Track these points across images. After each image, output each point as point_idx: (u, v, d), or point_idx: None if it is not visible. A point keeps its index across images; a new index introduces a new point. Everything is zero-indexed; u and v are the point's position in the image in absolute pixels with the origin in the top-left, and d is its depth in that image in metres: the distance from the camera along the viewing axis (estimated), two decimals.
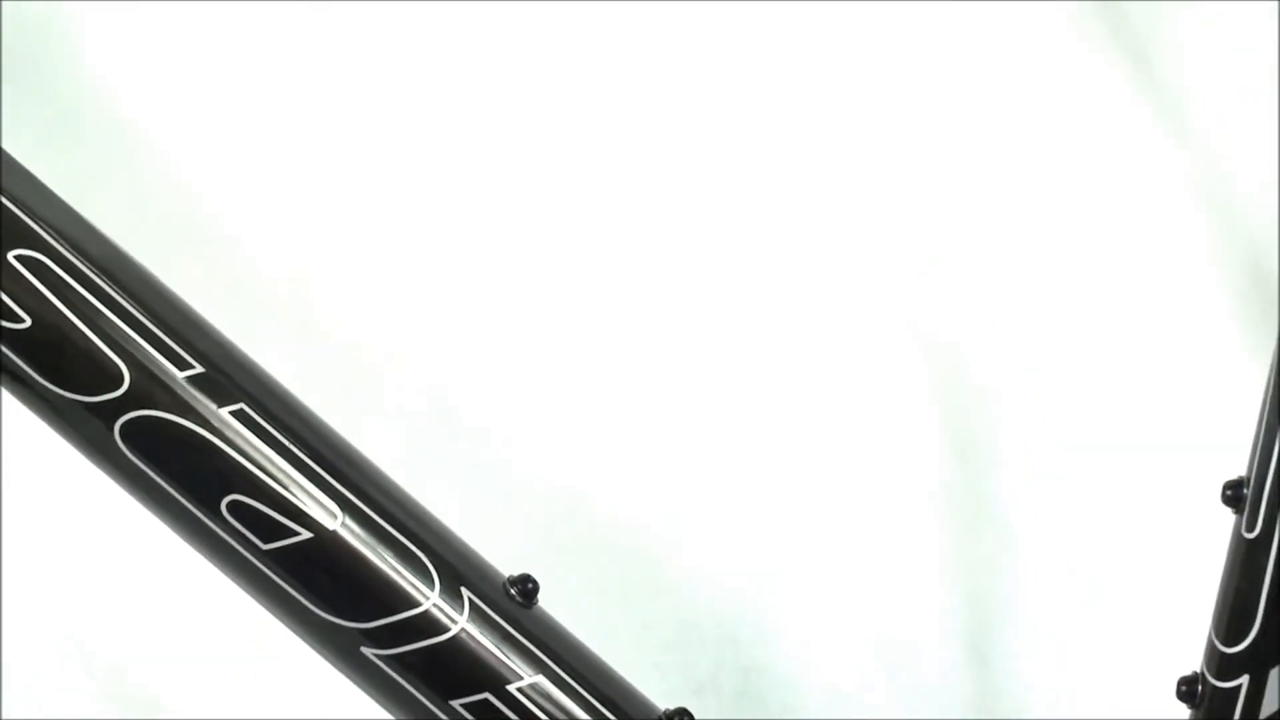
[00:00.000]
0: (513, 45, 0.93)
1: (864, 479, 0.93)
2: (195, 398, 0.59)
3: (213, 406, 0.59)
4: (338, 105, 0.91)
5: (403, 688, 0.61)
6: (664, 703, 0.64)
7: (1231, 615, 0.68)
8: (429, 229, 0.92)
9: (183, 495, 0.59)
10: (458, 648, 0.60)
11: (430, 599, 0.60)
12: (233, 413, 0.59)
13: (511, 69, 0.93)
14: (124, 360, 0.59)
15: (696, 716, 0.63)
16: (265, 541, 0.59)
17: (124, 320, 0.59)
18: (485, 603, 0.61)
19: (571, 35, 0.93)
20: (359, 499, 0.60)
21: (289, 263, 0.91)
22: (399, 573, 0.60)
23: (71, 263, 0.59)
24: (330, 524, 0.60)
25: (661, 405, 0.92)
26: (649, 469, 0.92)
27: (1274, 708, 0.68)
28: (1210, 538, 0.71)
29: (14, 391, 0.59)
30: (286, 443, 0.60)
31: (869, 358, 0.94)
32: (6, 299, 0.58)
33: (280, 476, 0.60)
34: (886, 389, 0.94)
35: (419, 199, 0.92)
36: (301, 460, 0.60)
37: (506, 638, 0.61)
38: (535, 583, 0.62)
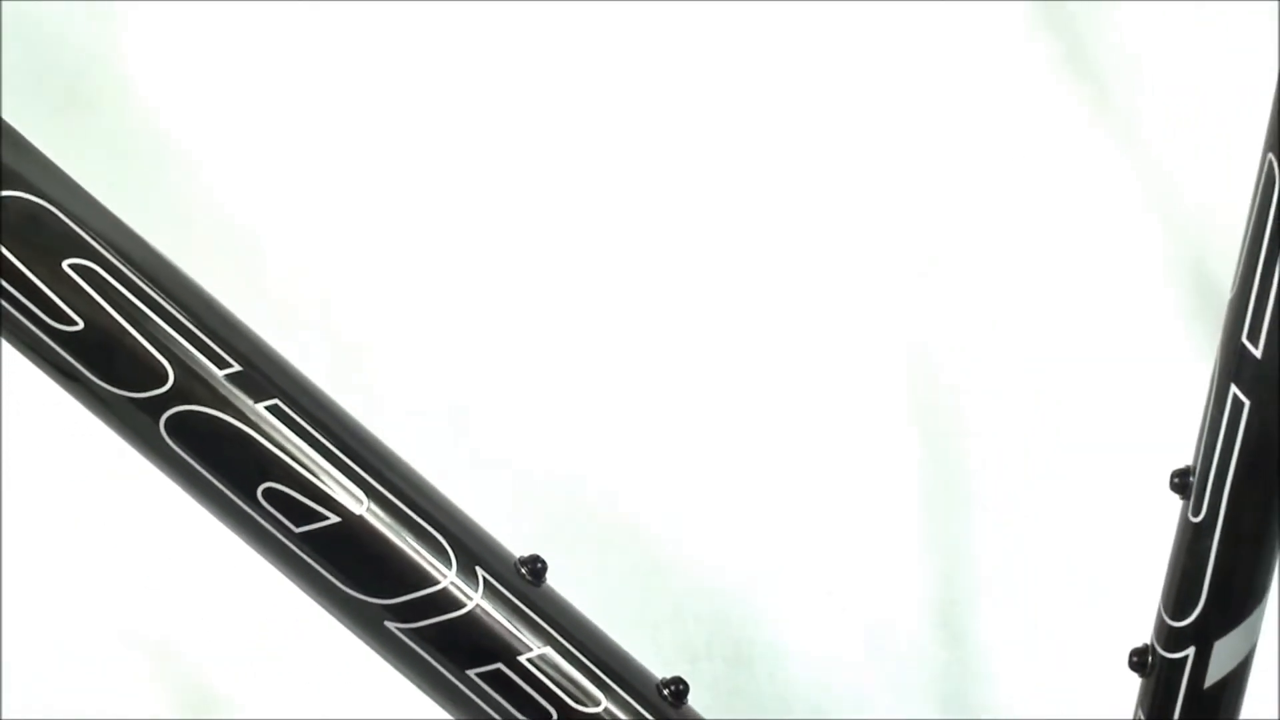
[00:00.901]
0: (533, 51, 0.92)
1: (845, 472, 0.93)
2: (234, 394, 0.59)
3: (250, 402, 0.59)
4: (355, 113, 0.90)
5: (423, 659, 0.61)
6: (661, 672, 0.64)
7: (1179, 592, 0.69)
8: (443, 228, 0.91)
9: (222, 483, 0.60)
10: (473, 622, 0.61)
11: (448, 577, 0.60)
12: (268, 407, 0.59)
13: (532, 74, 0.92)
14: (168, 360, 0.59)
15: (690, 683, 0.64)
16: (297, 525, 0.60)
17: (168, 323, 0.59)
18: (498, 581, 0.61)
19: (585, 40, 0.93)
20: (383, 486, 0.60)
21: (314, 265, 0.90)
22: (419, 553, 0.60)
23: (120, 270, 0.59)
24: (357, 509, 0.60)
25: (662, 406, 0.92)
26: (650, 463, 0.92)
27: (1219, 677, 0.69)
28: (1159, 522, 0.71)
29: (67, 388, 0.59)
30: (317, 435, 0.60)
31: (854, 360, 0.94)
32: (61, 304, 0.58)
33: (311, 466, 0.60)
34: (868, 391, 0.94)
35: (430, 198, 0.91)
36: (330, 451, 0.60)
37: (517, 613, 0.61)
38: (544, 563, 0.63)
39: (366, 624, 0.61)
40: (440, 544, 0.61)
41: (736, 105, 0.93)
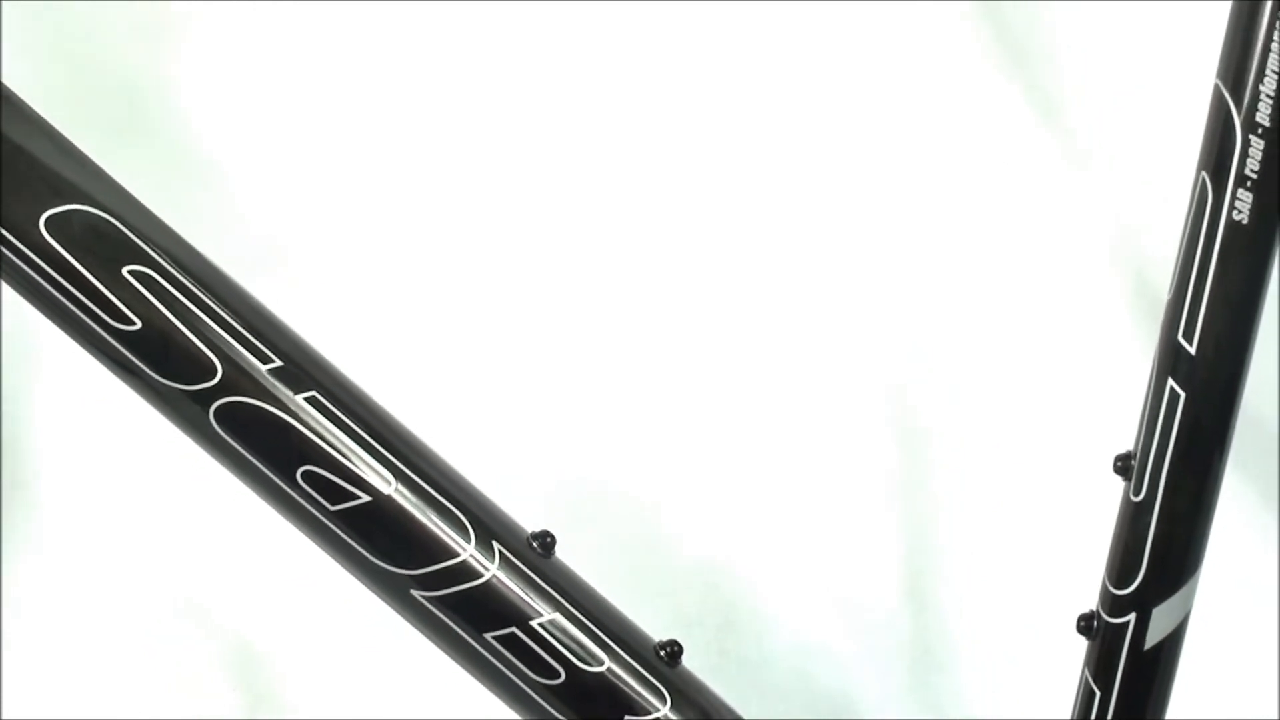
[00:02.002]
0: (531, 50, 0.90)
1: (823, 462, 0.93)
2: (276, 386, 0.59)
3: (290, 394, 0.60)
4: (402, 133, 0.89)
5: (445, 623, 0.62)
6: (658, 635, 0.65)
7: (1121, 563, 0.69)
8: (458, 225, 0.90)
9: (265, 466, 0.60)
10: (490, 590, 0.61)
11: (467, 550, 0.61)
12: (306, 398, 0.60)
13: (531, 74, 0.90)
14: (216, 356, 0.59)
15: (684, 645, 0.64)
16: (333, 504, 0.60)
17: (216, 322, 0.59)
18: (512, 554, 0.62)
19: (575, 42, 0.91)
20: (408, 468, 0.61)
21: (329, 265, 0.89)
22: (441, 529, 0.61)
23: (173, 275, 0.59)
24: (385, 489, 0.60)
25: (661, 403, 0.91)
26: (649, 452, 0.91)
27: (1157, 639, 0.69)
28: (1103, 500, 0.71)
29: (127, 381, 0.60)
30: (350, 423, 0.60)
31: (829, 362, 0.93)
32: (121, 306, 0.58)
33: (345, 450, 0.60)
34: (844, 389, 0.93)
35: (441, 201, 0.90)
36: (362, 437, 0.60)
37: (529, 582, 0.62)
38: (553, 537, 0.63)
39: (394, 592, 0.62)
40: (460, 520, 0.61)
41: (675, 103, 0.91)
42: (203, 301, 0.59)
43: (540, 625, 0.62)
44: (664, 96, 0.91)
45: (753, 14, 0.90)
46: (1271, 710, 0.94)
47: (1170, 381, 0.67)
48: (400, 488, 0.61)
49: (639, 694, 0.63)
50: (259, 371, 0.60)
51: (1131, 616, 0.69)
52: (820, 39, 0.91)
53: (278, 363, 0.60)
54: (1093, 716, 0.70)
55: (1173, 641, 0.69)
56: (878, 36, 0.91)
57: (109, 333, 0.59)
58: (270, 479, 0.60)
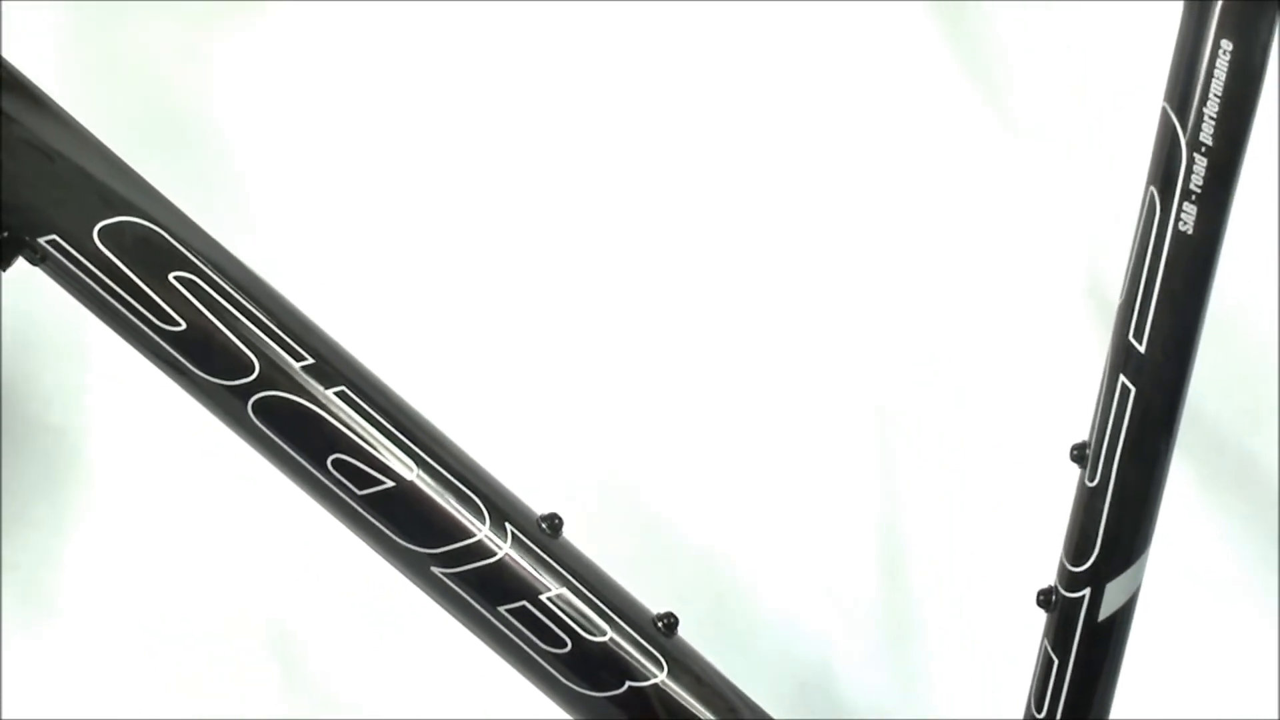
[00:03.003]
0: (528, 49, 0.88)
1: (808, 455, 0.92)
2: (308, 382, 0.60)
3: (321, 388, 0.60)
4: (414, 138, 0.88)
5: (462, 597, 0.62)
6: (656, 608, 0.65)
7: (1077, 543, 0.69)
8: (475, 224, 0.89)
9: (298, 455, 0.61)
10: (503, 567, 0.62)
11: (482, 531, 0.62)
12: (336, 393, 0.60)
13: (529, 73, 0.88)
14: (254, 354, 0.60)
15: (679, 618, 0.65)
16: (360, 489, 0.61)
17: (253, 323, 0.60)
18: (523, 534, 0.62)
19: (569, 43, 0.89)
20: (429, 456, 0.62)
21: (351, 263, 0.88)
22: (459, 511, 0.62)
23: (214, 279, 0.60)
24: (408, 475, 0.61)
25: (659, 397, 0.90)
26: (648, 442, 0.90)
27: (1110, 612, 0.69)
28: (1061, 486, 0.71)
29: (172, 377, 0.61)
30: (375, 415, 0.61)
31: (809, 364, 0.92)
32: (168, 309, 0.59)
33: (371, 440, 0.61)
34: (827, 390, 0.92)
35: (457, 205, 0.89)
36: (387, 428, 0.61)
37: (539, 560, 0.62)
38: (561, 519, 0.64)
39: (416, 569, 0.62)
40: (476, 504, 0.62)
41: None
42: (241, 304, 0.60)
43: (549, 599, 0.62)
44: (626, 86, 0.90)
45: (708, 14, 0.89)
46: (1271, 710, 0.94)
47: (1121, 377, 0.68)
48: (421, 474, 0.61)
49: (638, 661, 0.64)
50: (293, 368, 0.60)
51: (1087, 591, 0.69)
52: (780, 41, 0.90)
53: (310, 360, 0.61)
54: (1051, 683, 0.70)
55: (1124, 614, 0.70)
56: (851, 49, 0.90)
57: (156, 333, 0.60)
58: (303, 466, 0.61)
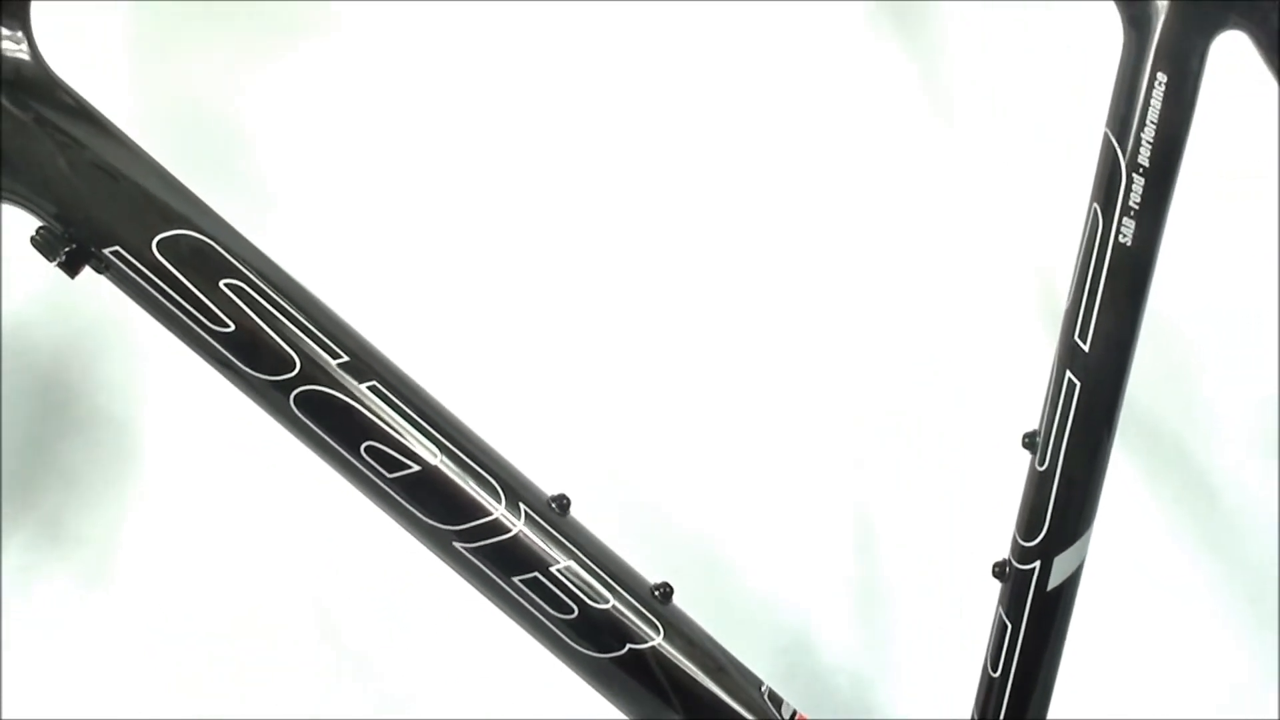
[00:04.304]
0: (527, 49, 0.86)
1: (793, 441, 0.91)
2: (344, 377, 0.61)
3: (355, 383, 0.61)
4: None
5: (480, 569, 0.63)
6: (653, 578, 0.66)
7: (1028, 520, 0.70)
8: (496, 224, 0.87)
9: (335, 442, 0.62)
10: (517, 543, 0.63)
11: (498, 510, 0.62)
12: (369, 387, 0.61)
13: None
14: (295, 352, 0.61)
15: (674, 587, 0.66)
16: (390, 473, 0.62)
17: (295, 325, 0.61)
18: (535, 513, 0.63)
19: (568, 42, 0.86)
20: (450, 443, 0.62)
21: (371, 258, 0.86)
22: (478, 493, 0.62)
23: (260, 286, 0.61)
24: (432, 460, 0.62)
25: (659, 396, 0.89)
26: (647, 432, 0.89)
27: (1057, 582, 0.70)
28: (1014, 470, 0.72)
29: (222, 373, 0.62)
30: (404, 406, 0.62)
31: (800, 366, 0.90)
32: (219, 312, 0.60)
33: (400, 428, 0.61)
34: (811, 385, 0.90)
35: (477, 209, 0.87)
36: (413, 418, 0.62)
37: (549, 536, 0.63)
38: (568, 500, 0.65)
39: (439, 544, 0.63)
40: (493, 486, 0.63)
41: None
42: (284, 308, 0.61)
43: (558, 570, 0.63)
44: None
45: (650, 16, 0.87)
46: (1271, 710, 0.93)
47: (1068, 373, 0.69)
48: (444, 459, 0.62)
49: (637, 626, 0.64)
50: (330, 365, 0.61)
51: (1037, 564, 0.70)
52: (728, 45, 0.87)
53: (345, 358, 0.62)
54: (1005, 645, 0.71)
55: (1071, 583, 0.71)
56: (787, 42, 0.88)
57: (208, 334, 0.60)
58: (339, 452, 0.62)
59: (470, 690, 0.86)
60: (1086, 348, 0.68)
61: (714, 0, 0.86)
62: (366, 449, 0.61)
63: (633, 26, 0.87)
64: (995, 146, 0.90)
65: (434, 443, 0.62)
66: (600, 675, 0.64)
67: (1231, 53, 0.69)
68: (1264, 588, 0.93)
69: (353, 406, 0.61)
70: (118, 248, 0.59)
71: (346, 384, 0.61)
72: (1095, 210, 0.68)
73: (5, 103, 0.58)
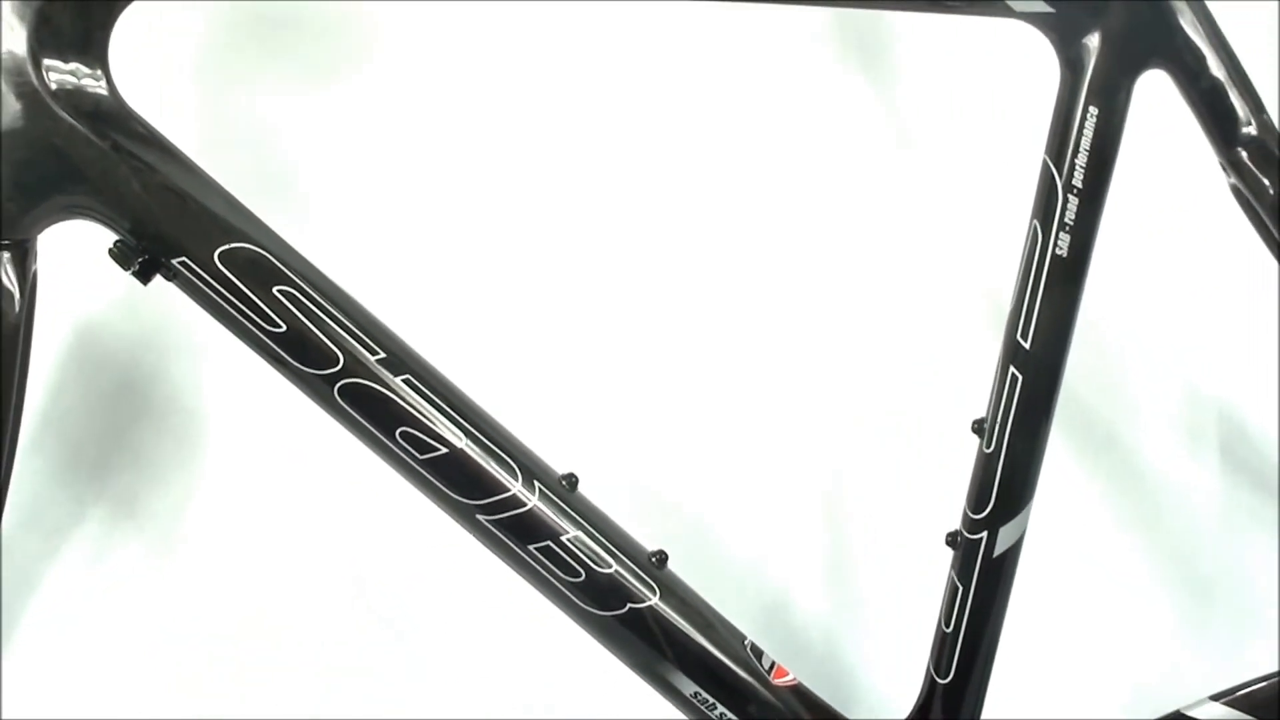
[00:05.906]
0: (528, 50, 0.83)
1: (775, 425, 0.89)
2: (381, 371, 0.62)
3: (392, 376, 0.62)
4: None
5: (500, 538, 0.64)
6: (650, 546, 0.67)
7: (977, 496, 0.71)
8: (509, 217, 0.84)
9: (374, 428, 0.63)
10: (532, 515, 0.64)
11: (515, 487, 0.64)
12: (403, 380, 0.62)
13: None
14: (339, 349, 0.62)
15: (669, 553, 0.66)
16: (421, 455, 0.63)
17: (338, 325, 0.62)
18: (548, 489, 0.65)
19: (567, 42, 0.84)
20: (474, 428, 0.64)
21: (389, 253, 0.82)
22: (497, 471, 0.64)
23: (308, 291, 0.61)
24: (458, 443, 0.63)
25: (657, 392, 0.87)
26: (646, 421, 0.87)
27: (1002, 550, 0.70)
28: (964, 452, 0.72)
29: (275, 368, 0.62)
30: (434, 396, 0.63)
31: (781, 365, 0.88)
32: (273, 315, 0.61)
33: (430, 416, 0.62)
34: (781, 380, 0.88)
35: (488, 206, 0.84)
36: (442, 406, 0.63)
37: (560, 509, 0.65)
38: (577, 478, 0.66)
39: (464, 516, 0.65)
40: (511, 465, 0.64)
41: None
42: (329, 310, 0.62)
43: (567, 540, 0.64)
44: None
45: (604, 20, 0.84)
46: (1181, 650, 0.92)
47: (1011, 368, 0.70)
48: (469, 442, 0.64)
49: (637, 588, 0.65)
50: (369, 361, 0.63)
51: (984, 534, 0.71)
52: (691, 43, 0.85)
53: (383, 354, 0.63)
54: (956, 605, 0.71)
55: (1014, 551, 0.72)
56: (745, 49, 0.86)
57: (263, 333, 0.62)
58: (377, 437, 0.63)
59: (470, 690, 0.86)
60: (1028, 345, 0.69)
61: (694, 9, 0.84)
62: (401, 434, 0.62)
63: (621, 38, 0.85)
64: (941, 170, 0.90)
65: (459, 428, 0.63)
66: (604, 631, 0.66)
67: (1154, 89, 0.70)
68: (1181, 554, 0.93)
69: (389, 397, 0.62)
70: (184, 258, 0.61)
71: (384, 377, 0.62)
72: (1035, 226, 0.69)
73: (88, 133, 0.59)
